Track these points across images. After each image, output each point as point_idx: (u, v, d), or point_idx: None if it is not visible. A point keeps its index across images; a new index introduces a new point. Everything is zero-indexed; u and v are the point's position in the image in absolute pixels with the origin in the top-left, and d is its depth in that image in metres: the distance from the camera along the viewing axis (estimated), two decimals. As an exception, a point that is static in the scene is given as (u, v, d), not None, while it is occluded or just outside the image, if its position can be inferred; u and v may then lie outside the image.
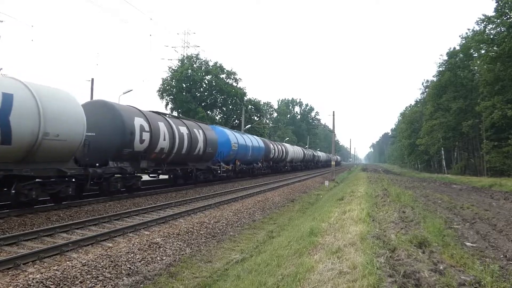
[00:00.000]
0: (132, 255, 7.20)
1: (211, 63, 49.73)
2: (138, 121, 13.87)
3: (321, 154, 78.01)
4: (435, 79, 52.73)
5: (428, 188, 25.41)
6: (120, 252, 7.17)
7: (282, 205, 16.93)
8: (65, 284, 5.59)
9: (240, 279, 6.01)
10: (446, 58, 47.44)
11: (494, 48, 32.74)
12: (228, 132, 25.07)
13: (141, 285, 6.26)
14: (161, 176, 18.46)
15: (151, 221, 10.05)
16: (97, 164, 12.64)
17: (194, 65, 48.47)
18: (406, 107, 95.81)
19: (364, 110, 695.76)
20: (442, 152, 51.56)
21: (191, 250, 8.45)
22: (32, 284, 5.32)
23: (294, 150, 46.16)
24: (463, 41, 43.53)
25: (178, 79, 45.86)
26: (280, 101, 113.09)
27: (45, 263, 6.29)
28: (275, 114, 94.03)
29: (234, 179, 26.23)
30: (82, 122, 10.99)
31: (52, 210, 10.76)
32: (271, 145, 35.30)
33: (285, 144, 45.31)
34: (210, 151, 20.02)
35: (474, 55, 39.89)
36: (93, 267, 6.26)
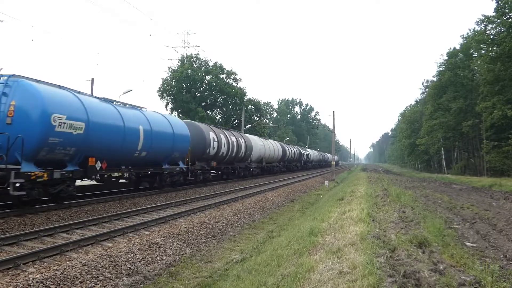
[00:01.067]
0: (132, 255, 7.20)
1: (211, 63, 49.78)
2: None
3: (312, 153, 63.18)
4: (435, 79, 52.80)
5: (428, 188, 25.41)
6: (120, 252, 7.17)
7: (282, 205, 16.93)
8: (65, 284, 5.59)
9: (240, 279, 6.01)
10: (446, 58, 47.51)
11: (494, 48, 32.76)
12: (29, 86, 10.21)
13: (141, 285, 6.25)
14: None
15: (151, 221, 10.05)
16: None
17: (194, 65, 48.47)
18: (406, 107, 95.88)
19: (364, 110, 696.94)
20: (442, 152, 51.58)
21: (191, 250, 8.45)
22: (32, 284, 5.31)
23: (265, 146, 33.04)
24: (464, 41, 43.55)
25: (178, 79, 45.87)
26: (280, 101, 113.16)
27: (45, 263, 6.28)
28: (275, 114, 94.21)
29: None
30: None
31: (52, 210, 10.76)
32: (211, 134, 21.04)
33: (249, 136, 31.19)
34: None
35: (474, 55, 39.92)
36: (93, 267, 6.26)
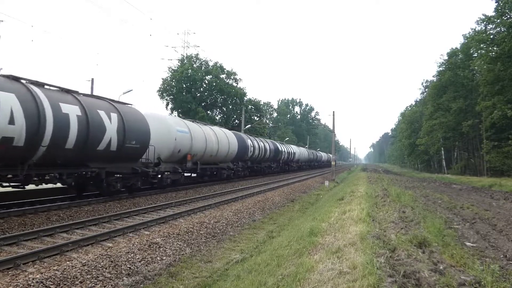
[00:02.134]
0: (132, 255, 7.20)
1: (211, 63, 49.85)
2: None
3: (298, 150, 48.66)
4: (435, 79, 52.79)
5: (428, 188, 25.40)
6: (120, 252, 7.17)
7: (282, 205, 16.93)
8: (65, 284, 5.59)
9: (240, 279, 6.01)
10: (446, 58, 47.46)
11: (494, 48, 32.75)
12: None
13: (141, 285, 6.26)
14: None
15: (151, 221, 10.04)
16: None
17: (194, 65, 48.50)
18: (406, 107, 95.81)
19: (364, 110, 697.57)
20: (442, 152, 51.55)
21: (191, 250, 8.45)
22: (32, 284, 5.31)
23: (193, 133, 18.52)
24: (465, 41, 43.51)
25: (178, 79, 45.88)
26: (280, 101, 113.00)
27: (45, 263, 6.28)
28: (275, 114, 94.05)
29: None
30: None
31: (52, 210, 10.76)
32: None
33: (153, 114, 17.16)
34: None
35: (474, 55, 39.89)
36: (93, 267, 6.26)
